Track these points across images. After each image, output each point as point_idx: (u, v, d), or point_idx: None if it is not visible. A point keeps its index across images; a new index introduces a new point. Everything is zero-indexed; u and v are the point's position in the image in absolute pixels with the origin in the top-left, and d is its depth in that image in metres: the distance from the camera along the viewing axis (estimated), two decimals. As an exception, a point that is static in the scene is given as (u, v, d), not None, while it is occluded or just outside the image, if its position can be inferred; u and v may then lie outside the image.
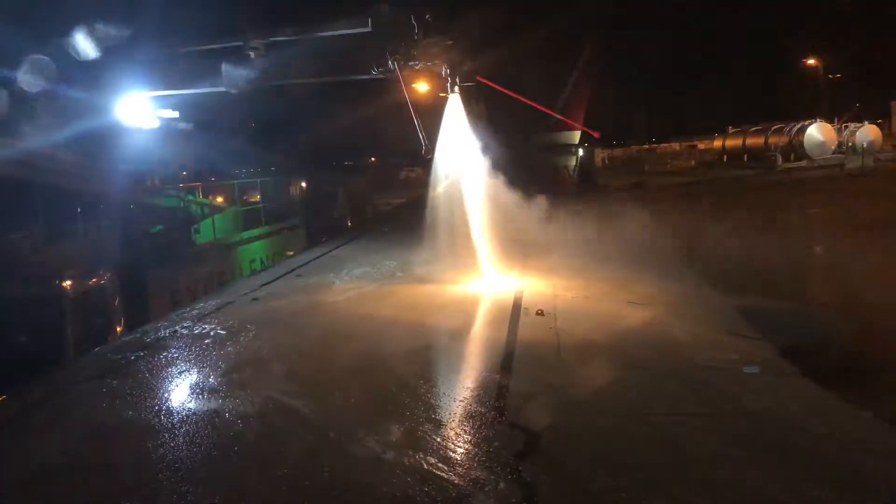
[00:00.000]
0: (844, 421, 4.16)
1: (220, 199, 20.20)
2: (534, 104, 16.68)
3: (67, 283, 10.63)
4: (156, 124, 13.00)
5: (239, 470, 3.65)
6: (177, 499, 3.29)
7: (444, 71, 9.46)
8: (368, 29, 9.30)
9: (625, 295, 7.97)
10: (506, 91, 11.32)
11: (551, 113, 24.93)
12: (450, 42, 9.32)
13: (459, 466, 3.53)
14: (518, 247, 10.38)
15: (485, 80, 10.24)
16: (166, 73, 11.35)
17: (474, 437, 3.94)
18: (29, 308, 10.13)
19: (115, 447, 4.02)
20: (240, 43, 10.36)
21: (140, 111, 12.08)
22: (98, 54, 10.51)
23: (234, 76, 10.40)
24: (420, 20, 9.03)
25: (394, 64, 9.22)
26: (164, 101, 12.80)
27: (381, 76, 9.57)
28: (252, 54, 10.19)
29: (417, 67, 9.39)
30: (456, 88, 9.60)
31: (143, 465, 3.70)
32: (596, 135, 21.60)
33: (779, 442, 3.84)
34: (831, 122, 37.31)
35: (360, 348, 5.97)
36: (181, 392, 4.99)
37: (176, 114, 13.84)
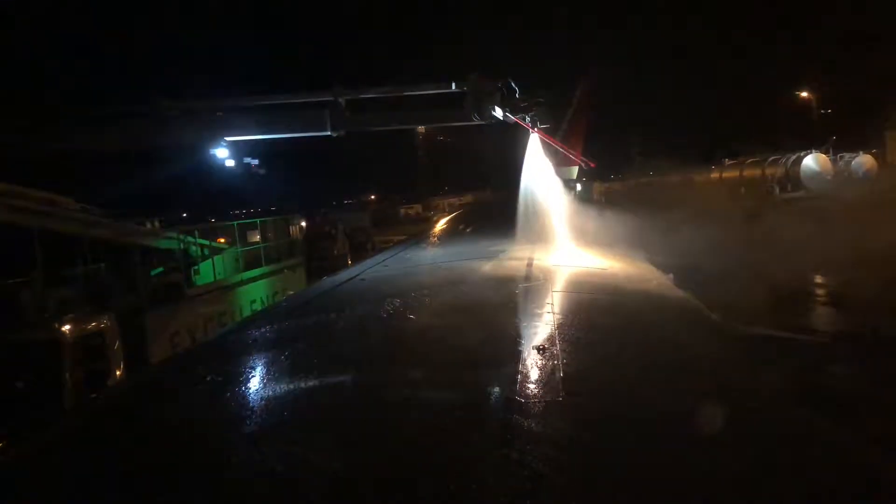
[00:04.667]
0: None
1: (220, 240, 20.24)
2: (561, 145, 18.12)
3: (66, 327, 10.56)
4: (231, 164, 14.42)
5: None
6: None
7: (526, 118, 12.97)
8: (451, 90, 12.67)
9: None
10: (548, 138, 14.41)
11: (567, 151, 25.67)
12: (541, 99, 12.95)
13: None
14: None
15: (540, 132, 13.51)
16: (259, 121, 13.57)
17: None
18: (27, 353, 10.07)
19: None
20: (330, 98, 12.87)
21: (224, 156, 13.73)
22: (201, 106, 12.42)
23: (335, 123, 12.99)
24: (515, 83, 12.70)
25: (504, 114, 12.61)
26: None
27: (480, 122, 12.84)
28: (342, 104, 12.85)
29: (512, 118, 12.82)
30: (535, 131, 13.29)
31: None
32: (592, 164, 22.55)
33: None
34: (827, 153, 37.58)
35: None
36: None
37: (256, 161, 15.64)
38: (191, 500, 3.10)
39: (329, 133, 13.08)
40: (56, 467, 3.84)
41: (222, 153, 14.01)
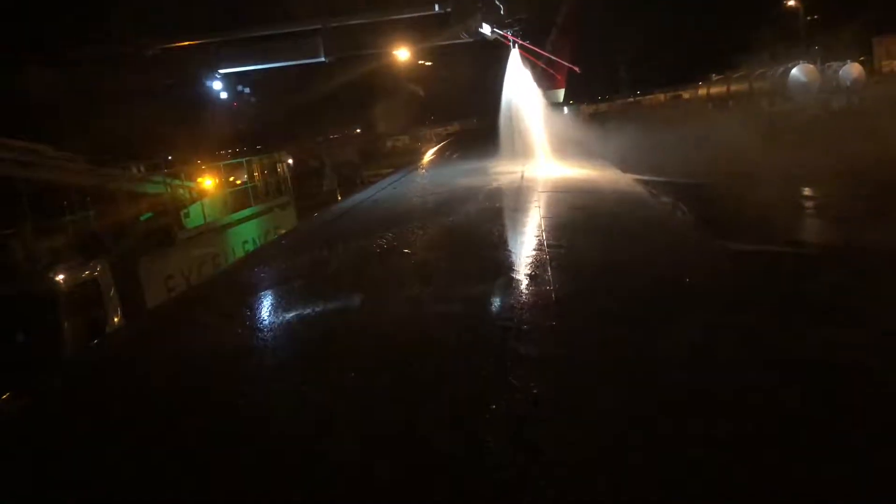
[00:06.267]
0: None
1: (207, 182, 20.05)
2: (544, 65, 18.36)
3: (60, 277, 10.58)
4: (222, 95, 15.00)
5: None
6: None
7: (509, 34, 13.67)
8: (435, 11, 13.21)
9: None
10: (531, 58, 15.12)
11: (554, 69, 25.52)
12: (524, 17, 13.48)
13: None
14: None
15: (523, 52, 13.99)
16: (255, 52, 14.54)
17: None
18: (24, 306, 10.11)
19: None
20: (315, 26, 13.77)
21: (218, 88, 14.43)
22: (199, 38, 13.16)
23: (328, 50, 14.02)
24: (502, 2, 13.42)
25: (492, 31, 13.34)
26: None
27: (469, 40, 13.66)
28: (332, 30, 13.66)
29: (499, 34, 13.38)
30: (516, 47, 13.97)
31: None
32: (576, 69, 23.11)
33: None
34: (815, 63, 37.19)
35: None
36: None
37: (248, 90, 16.64)
38: (198, 445, 3.17)
39: (323, 59, 13.71)
40: (58, 418, 3.90)
41: (217, 86, 14.41)
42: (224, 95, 15.05)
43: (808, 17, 47.75)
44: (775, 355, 3.39)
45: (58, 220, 13.58)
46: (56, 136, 14.38)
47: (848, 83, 35.32)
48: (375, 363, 3.81)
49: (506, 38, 13.78)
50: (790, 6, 47.88)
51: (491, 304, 4.59)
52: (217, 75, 14.01)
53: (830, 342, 3.50)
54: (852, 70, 36.25)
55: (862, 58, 39.74)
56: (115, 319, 11.34)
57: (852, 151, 14.30)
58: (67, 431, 3.60)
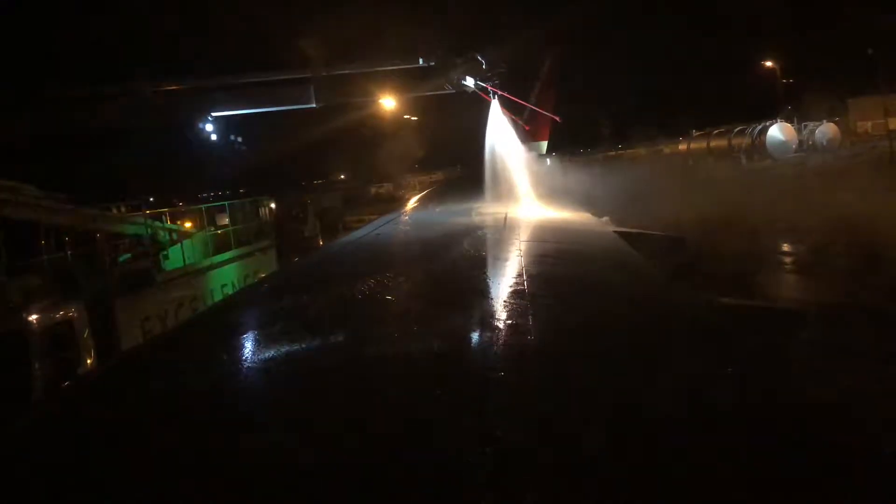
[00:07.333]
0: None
1: (188, 224, 19.96)
2: (528, 118, 18.75)
3: (33, 317, 10.38)
4: (213, 137, 15.48)
5: None
6: None
7: (489, 87, 14.17)
8: (419, 65, 14.02)
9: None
10: (510, 115, 15.41)
11: (531, 123, 26.25)
12: (503, 70, 14.18)
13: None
14: None
15: (504, 108, 14.45)
16: (249, 96, 14.70)
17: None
18: (-6, 345, 9.88)
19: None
20: (307, 74, 14.15)
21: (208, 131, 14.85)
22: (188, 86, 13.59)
23: (319, 97, 14.31)
24: (483, 57, 14.07)
25: (475, 84, 13.96)
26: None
27: (452, 91, 14.07)
28: (323, 78, 14.14)
29: (482, 86, 14.11)
30: (496, 97, 14.24)
31: None
32: (557, 119, 24.40)
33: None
34: (792, 122, 38.20)
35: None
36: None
37: (238, 137, 17.36)
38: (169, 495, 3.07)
39: (314, 105, 14.12)
40: (25, 464, 3.77)
41: (208, 128, 14.75)
42: (214, 138, 15.24)
43: (784, 80, 49.25)
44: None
45: (34, 260, 13.41)
46: (42, 175, 14.35)
47: (824, 143, 36.27)
48: (352, 411, 3.73)
49: (487, 90, 14.14)
50: (768, 67, 49.33)
51: (472, 353, 4.54)
52: (209, 118, 14.23)
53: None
54: (828, 130, 37.28)
55: (837, 118, 40.88)
56: (89, 361, 11.11)
57: (826, 208, 14.60)
58: (31, 477, 3.46)
